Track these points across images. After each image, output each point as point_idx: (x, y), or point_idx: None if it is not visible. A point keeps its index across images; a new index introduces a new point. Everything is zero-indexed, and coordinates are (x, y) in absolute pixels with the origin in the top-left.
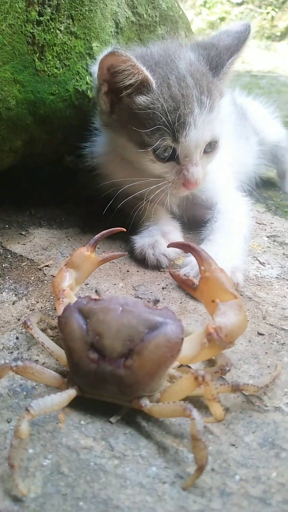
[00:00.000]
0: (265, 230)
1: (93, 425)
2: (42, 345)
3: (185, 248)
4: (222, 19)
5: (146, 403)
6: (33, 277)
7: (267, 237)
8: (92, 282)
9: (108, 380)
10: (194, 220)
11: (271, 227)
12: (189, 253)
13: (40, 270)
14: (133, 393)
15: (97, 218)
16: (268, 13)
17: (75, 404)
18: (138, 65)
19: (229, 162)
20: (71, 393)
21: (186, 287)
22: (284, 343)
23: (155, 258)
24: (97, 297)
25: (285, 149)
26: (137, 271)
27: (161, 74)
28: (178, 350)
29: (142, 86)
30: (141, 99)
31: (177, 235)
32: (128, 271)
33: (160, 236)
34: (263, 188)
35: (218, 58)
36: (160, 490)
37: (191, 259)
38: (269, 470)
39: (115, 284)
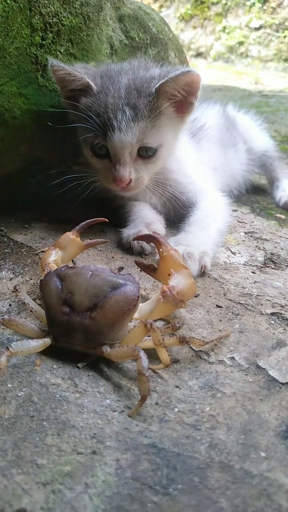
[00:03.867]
0: (244, 227)
1: (63, 369)
2: (27, 306)
3: (147, 238)
4: (240, 43)
5: (106, 349)
6: (29, 260)
7: (245, 233)
8: (80, 265)
9: (76, 330)
10: (179, 218)
11: (250, 225)
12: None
13: (36, 255)
14: (97, 341)
15: (93, 216)
16: (285, 36)
17: (51, 353)
18: (74, 72)
19: (213, 166)
20: (46, 341)
21: (148, 271)
22: (238, 313)
23: (139, 245)
24: (73, 266)
25: (273, 158)
26: (121, 258)
27: (105, 85)
28: (135, 305)
29: (87, 89)
30: (84, 100)
31: (159, 226)
32: (113, 257)
33: (144, 227)
34: (253, 193)
35: (148, 82)
36: (110, 416)
37: None
38: (204, 405)
39: None
